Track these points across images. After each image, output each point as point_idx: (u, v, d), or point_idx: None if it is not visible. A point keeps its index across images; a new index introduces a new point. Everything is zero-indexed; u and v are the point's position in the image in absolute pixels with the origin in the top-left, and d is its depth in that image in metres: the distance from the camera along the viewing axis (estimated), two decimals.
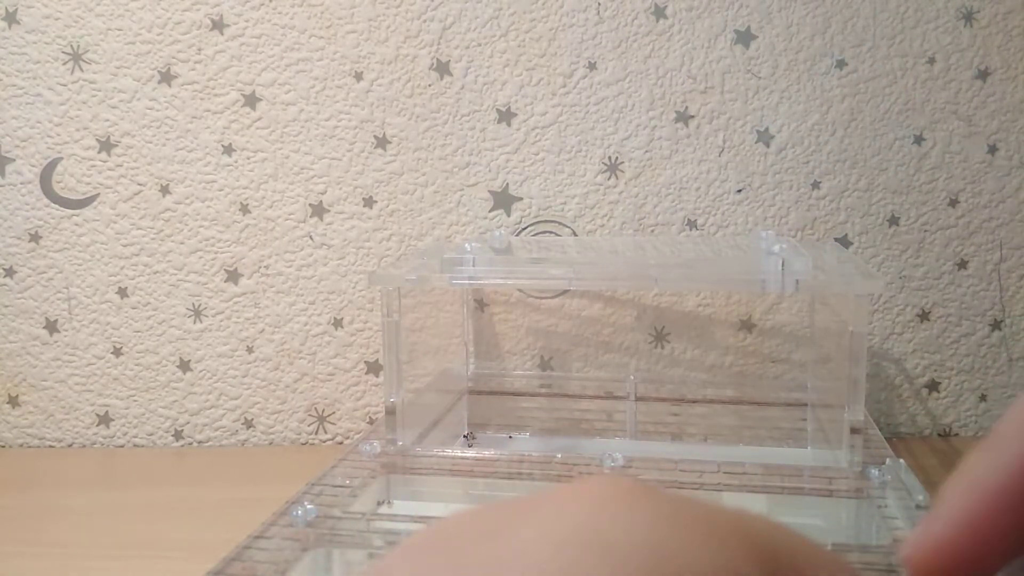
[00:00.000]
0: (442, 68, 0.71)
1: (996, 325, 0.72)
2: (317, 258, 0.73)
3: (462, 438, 0.69)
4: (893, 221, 0.71)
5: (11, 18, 0.71)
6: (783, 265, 0.53)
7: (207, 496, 0.63)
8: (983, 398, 0.73)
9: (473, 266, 0.58)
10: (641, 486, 0.17)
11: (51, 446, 0.75)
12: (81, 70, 0.71)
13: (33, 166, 0.72)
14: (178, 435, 0.75)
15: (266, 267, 0.73)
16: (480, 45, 0.71)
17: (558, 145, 0.71)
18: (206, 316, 0.74)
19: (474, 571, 0.15)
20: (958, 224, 0.71)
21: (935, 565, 0.18)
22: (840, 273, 0.56)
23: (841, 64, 0.70)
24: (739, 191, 0.71)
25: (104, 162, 0.72)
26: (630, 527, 0.15)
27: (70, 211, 0.73)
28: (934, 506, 0.19)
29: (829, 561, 0.17)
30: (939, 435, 0.73)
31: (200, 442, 0.75)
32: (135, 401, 0.75)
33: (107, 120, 0.72)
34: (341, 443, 0.74)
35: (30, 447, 0.75)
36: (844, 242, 0.71)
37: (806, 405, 0.67)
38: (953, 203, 0.71)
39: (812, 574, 0.17)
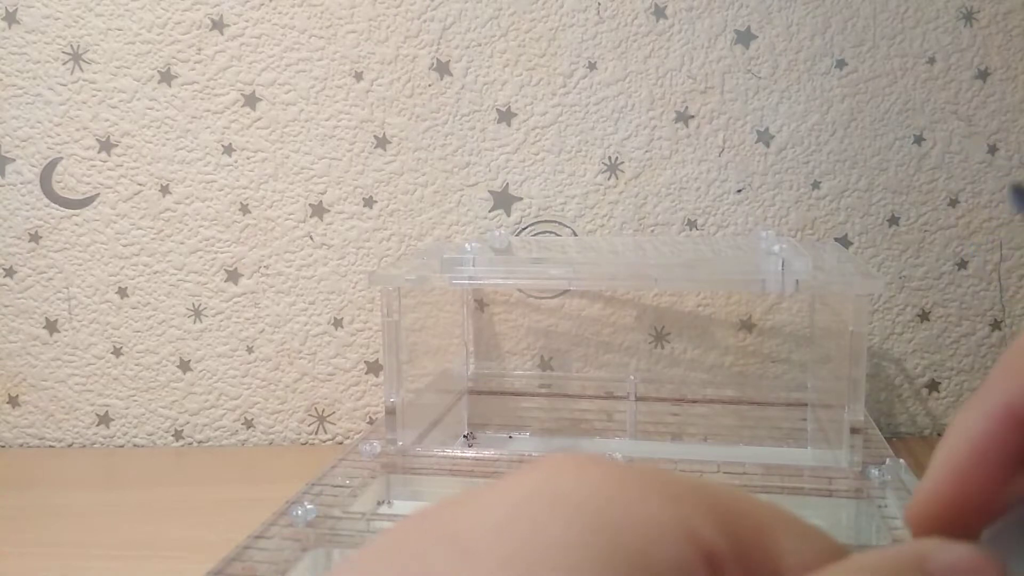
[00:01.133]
0: (442, 68, 0.71)
1: (996, 325, 0.72)
2: (317, 258, 0.73)
3: (462, 438, 0.69)
4: (893, 221, 0.71)
5: (11, 18, 0.71)
6: (783, 265, 0.53)
7: (207, 496, 0.63)
8: None
9: (473, 266, 0.58)
10: (597, 457, 0.18)
11: (51, 446, 0.75)
12: (81, 70, 0.71)
13: (33, 166, 0.72)
14: (178, 435, 0.75)
15: (266, 267, 0.73)
16: (480, 45, 0.71)
17: (558, 145, 0.71)
18: (206, 316, 0.74)
19: (438, 531, 0.16)
20: (958, 224, 0.71)
21: (930, 518, 0.19)
22: (840, 273, 0.56)
23: (841, 64, 0.70)
24: (739, 191, 0.71)
25: (104, 162, 0.72)
26: (583, 485, 0.16)
27: (70, 211, 0.73)
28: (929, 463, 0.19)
29: (798, 526, 0.18)
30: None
31: (200, 442, 0.75)
32: (135, 401, 0.75)
33: (107, 120, 0.72)
34: (341, 443, 0.74)
35: (30, 447, 0.75)
36: (844, 242, 0.71)
37: (806, 405, 0.67)
38: (953, 203, 0.71)
39: (775, 537, 0.17)
